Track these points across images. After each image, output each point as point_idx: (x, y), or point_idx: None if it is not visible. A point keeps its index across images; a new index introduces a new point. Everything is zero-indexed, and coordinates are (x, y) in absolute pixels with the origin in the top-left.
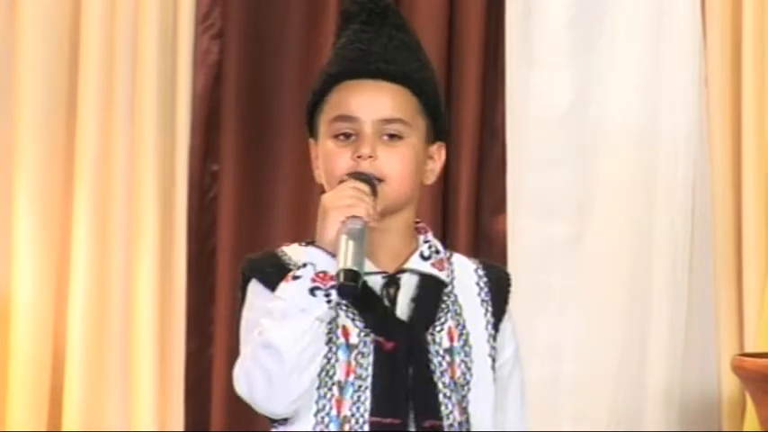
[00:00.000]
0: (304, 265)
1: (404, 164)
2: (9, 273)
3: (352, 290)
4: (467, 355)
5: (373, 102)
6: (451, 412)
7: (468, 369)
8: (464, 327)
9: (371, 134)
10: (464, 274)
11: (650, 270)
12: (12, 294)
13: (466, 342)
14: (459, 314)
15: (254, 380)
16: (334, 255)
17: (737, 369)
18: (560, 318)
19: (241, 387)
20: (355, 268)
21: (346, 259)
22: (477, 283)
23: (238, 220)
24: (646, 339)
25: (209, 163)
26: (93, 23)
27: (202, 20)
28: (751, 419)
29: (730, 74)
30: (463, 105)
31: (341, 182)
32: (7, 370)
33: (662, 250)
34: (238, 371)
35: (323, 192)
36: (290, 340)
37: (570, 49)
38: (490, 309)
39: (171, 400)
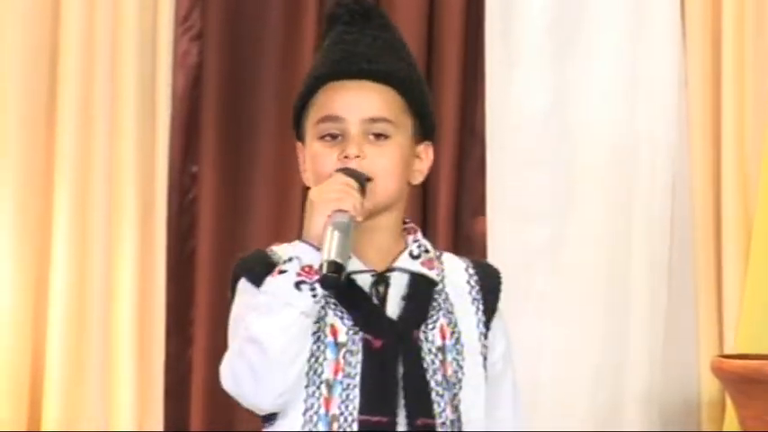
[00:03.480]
0: (290, 260)
1: (391, 163)
2: None
3: (335, 281)
4: (458, 353)
5: (358, 101)
6: (444, 410)
7: (461, 367)
8: (456, 325)
9: (358, 134)
10: (454, 273)
11: (630, 272)
12: None
13: (458, 340)
14: (451, 312)
15: (239, 374)
16: (320, 249)
17: (717, 370)
18: (540, 319)
19: (227, 382)
20: (339, 260)
21: (330, 251)
22: (468, 282)
23: (218, 222)
24: (625, 341)
25: (188, 164)
26: (72, 25)
27: (182, 21)
28: (730, 420)
29: (710, 76)
30: (443, 107)
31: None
32: None
33: (641, 252)
34: (224, 365)
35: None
36: (273, 333)
37: (550, 51)
38: (481, 307)
39: (150, 401)
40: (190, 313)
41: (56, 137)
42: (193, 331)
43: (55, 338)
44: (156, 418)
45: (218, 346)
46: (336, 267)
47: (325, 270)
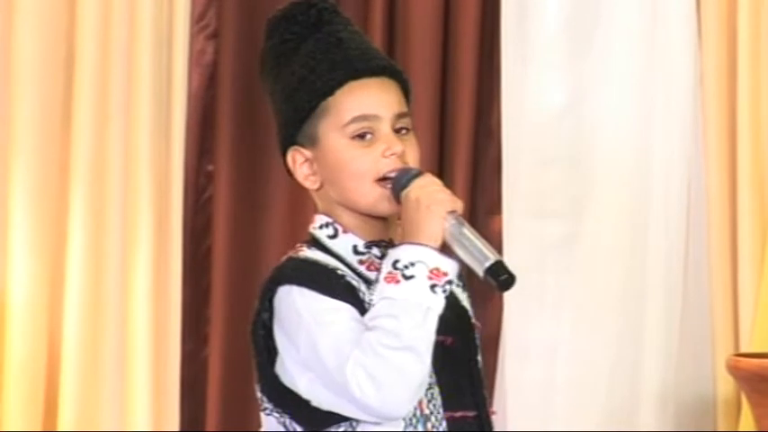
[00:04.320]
0: (412, 264)
1: (418, 155)
2: (5, 273)
3: (514, 279)
4: (478, 340)
5: (387, 98)
6: (486, 398)
7: (478, 354)
8: (470, 315)
9: (391, 130)
10: None
11: (645, 270)
12: (7, 295)
13: (474, 330)
14: (463, 302)
15: (387, 383)
16: (437, 249)
17: (732, 369)
18: (555, 318)
19: (365, 393)
20: (501, 258)
21: (489, 252)
22: None
23: (233, 221)
24: (641, 340)
25: (204, 163)
26: (88, 24)
27: (197, 20)
28: (746, 419)
29: (725, 74)
30: (459, 105)
31: (382, 179)
32: (2, 370)
33: (657, 250)
34: (358, 378)
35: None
36: (427, 340)
37: (565, 49)
38: (467, 293)
39: (166, 401)
40: (206, 312)
41: (71, 136)
42: (209, 330)
43: (71, 338)
44: (172, 417)
45: (234, 345)
46: (504, 266)
47: (500, 271)
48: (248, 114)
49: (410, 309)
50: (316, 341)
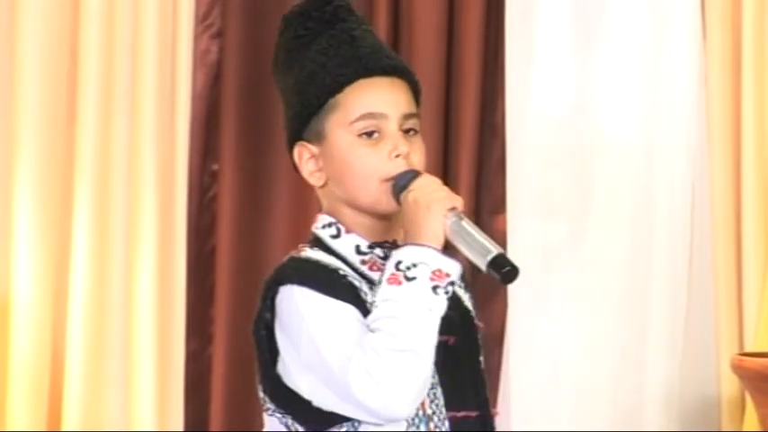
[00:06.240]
0: (414, 265)
1: (423, 158)
2: (9, 272)
3: (517, 272)
4: (480, 341)
5: (396, 97)
6: (488, 398)
7: (480, 355)
8: (472, 315)
9: (396, 130)
10: None
11: (649, 270)
12: (11, 294)
13: (477, 330)
14: (466, 302)
15: (390, 386)
16: (439, 250)
17: (737, 368)
18: (560, 318)
19: (368, 395)
20: (503, 251)
21: (490, 246)
22: None
23: (238, 220)
24: (645, 339)
25: (208, 162)
26: (92, 23)
27: (202, 19)
28: (750, 419)
29: (730, 73)
30: (463, 104)
31: (388, 180)
32: (7, 369)
33: (661, 250)
34: (361, 380)
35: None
36: (428, 341)
37: (570, 48)
38: (468, 293)
39: (170, 400)
40: (210, 312)
41: (76, 135)
42: (213, 330)
43: (75, 338)
44: (176, 418)
45: (238, 344)
46: (505, 258)
47: (502, 264)
48: (253, 114)
49: (412, 310)
50: (318, 343)
